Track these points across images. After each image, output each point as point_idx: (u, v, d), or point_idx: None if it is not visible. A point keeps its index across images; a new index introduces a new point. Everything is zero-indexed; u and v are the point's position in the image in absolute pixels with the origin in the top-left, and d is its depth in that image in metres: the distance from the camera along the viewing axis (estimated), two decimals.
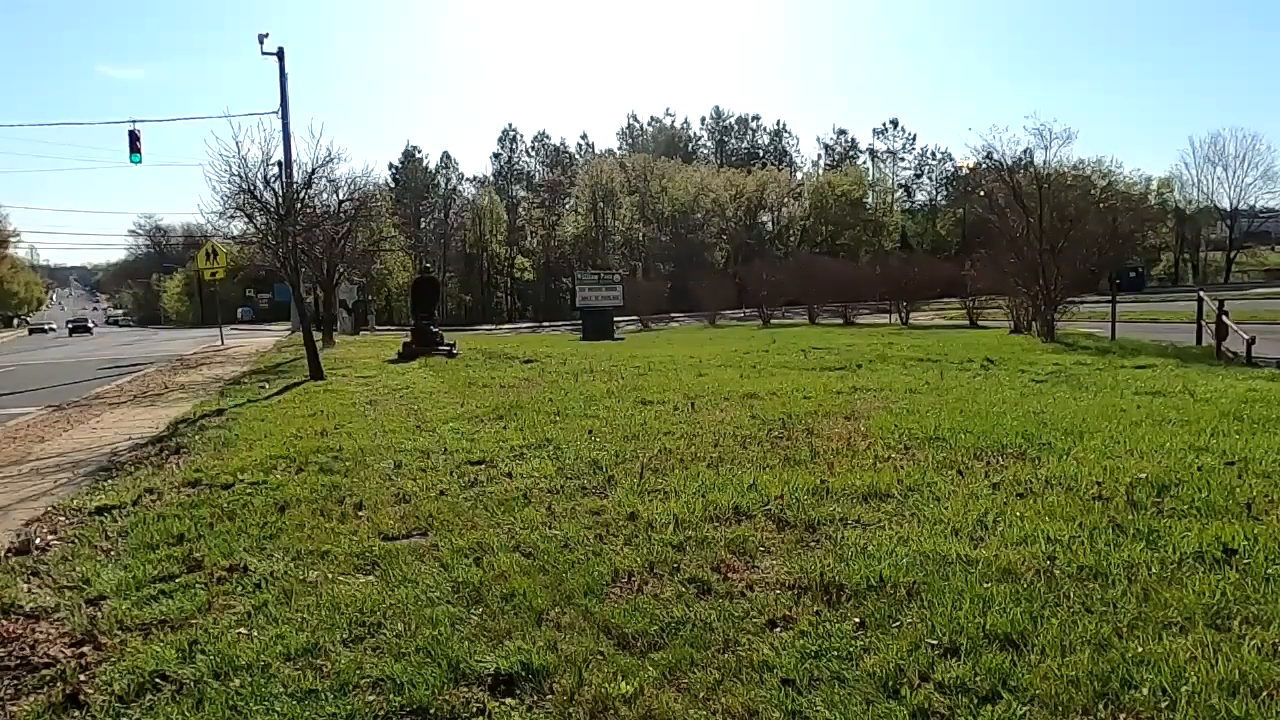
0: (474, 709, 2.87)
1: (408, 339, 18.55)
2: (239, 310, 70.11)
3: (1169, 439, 6.18)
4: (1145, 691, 2.74)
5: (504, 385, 11.48)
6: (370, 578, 4.09)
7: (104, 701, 3.04)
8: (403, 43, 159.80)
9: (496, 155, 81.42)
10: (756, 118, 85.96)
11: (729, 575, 3.90)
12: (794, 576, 3.82)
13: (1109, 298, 19.87)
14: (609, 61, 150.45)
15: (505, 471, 6.07)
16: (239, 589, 4.02)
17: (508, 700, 2.91)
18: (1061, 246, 18.75)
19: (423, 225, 74.95)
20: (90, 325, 65.72)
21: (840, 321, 32.61)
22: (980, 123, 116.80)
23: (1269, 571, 3.61)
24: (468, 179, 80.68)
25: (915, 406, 8.17)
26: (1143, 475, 5.11)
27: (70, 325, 62.38)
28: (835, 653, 3.10)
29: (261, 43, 26.03)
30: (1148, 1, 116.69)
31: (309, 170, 16.98)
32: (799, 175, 79.63)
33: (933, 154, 78.08)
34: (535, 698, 2.93)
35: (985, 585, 3.60)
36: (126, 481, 6.63)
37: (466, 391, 10.93)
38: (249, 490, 5.90)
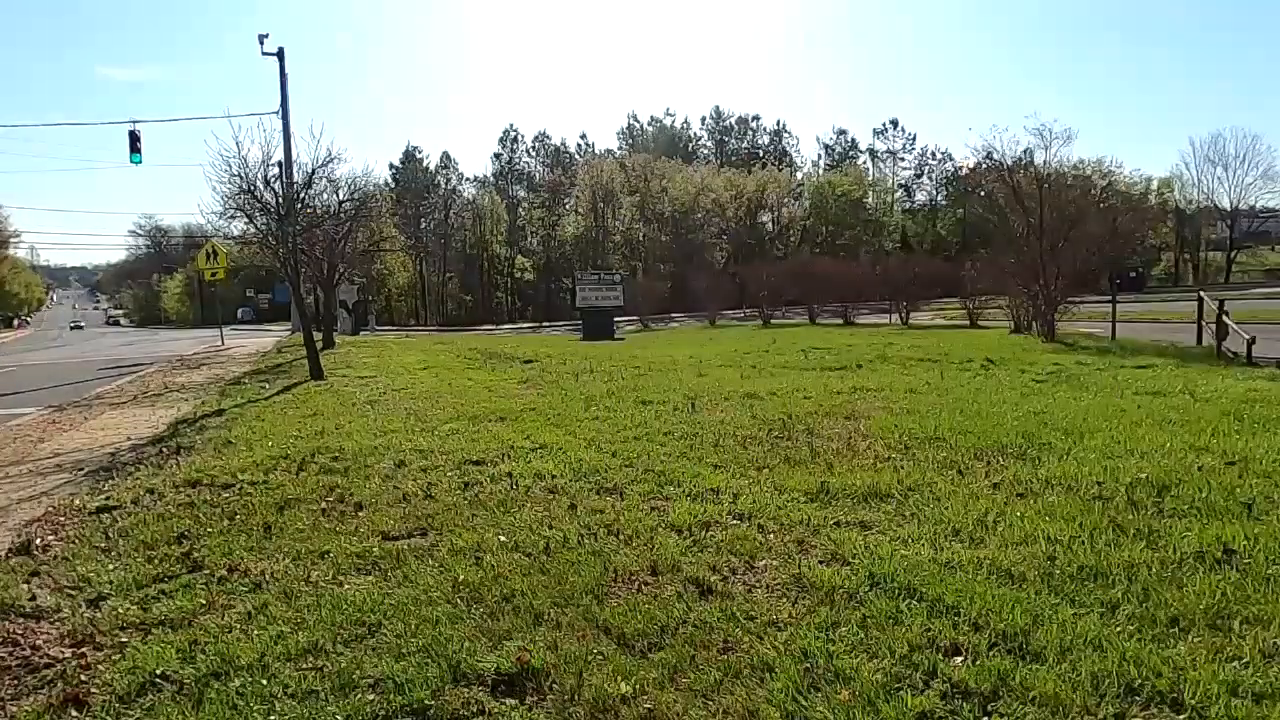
0: (474, 709, 2.87)
1: None
2: (239, 310, 70.03)
3: (1169, 439, 6.18)
4: (1145, 692, 2.74)
5: (504, 386, 11.47)
6: (370, 578, 4.10)
7: (104, 701, 3.04)
8: (403, 43, 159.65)
9: (497, 155, 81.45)
10: (756, 118, 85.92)
11: (729, 575, 3.90)
12: (794, 576, 3.82)
13: (1109, 298, 19.85)
14: (609, 61, 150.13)
15: (505, 472, 6.07)
16: (239, 589, 4.03)
17: (508, 700, 2.91)
18: (1061, 246, 18.75)
19: (423, 225, 74.94)
20: (82, 325, 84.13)
21: (840, 321, 32.58)
22: (980, 123, 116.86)
23: (1269, 571, 3.61)
24: (468, 179, 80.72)
25: (915, 406, 8.17)
26: (1143, 475, 5.11)
27: (70, 325, 68.36)
28: (836, 653, 3.10)
29: (262, 43, 25.97)
30: (1148, 2, 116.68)
31: (309, 170, 16.96)
32: (799, 175, 79.50)
33: (933, 154, 78.02)
34: (535, 697, 2.93)
35: (986, 585, 3.60)
36: (127, 481, 6.63)
37: (467, 392, 10.93)
38: (249, 490, 5.90)
